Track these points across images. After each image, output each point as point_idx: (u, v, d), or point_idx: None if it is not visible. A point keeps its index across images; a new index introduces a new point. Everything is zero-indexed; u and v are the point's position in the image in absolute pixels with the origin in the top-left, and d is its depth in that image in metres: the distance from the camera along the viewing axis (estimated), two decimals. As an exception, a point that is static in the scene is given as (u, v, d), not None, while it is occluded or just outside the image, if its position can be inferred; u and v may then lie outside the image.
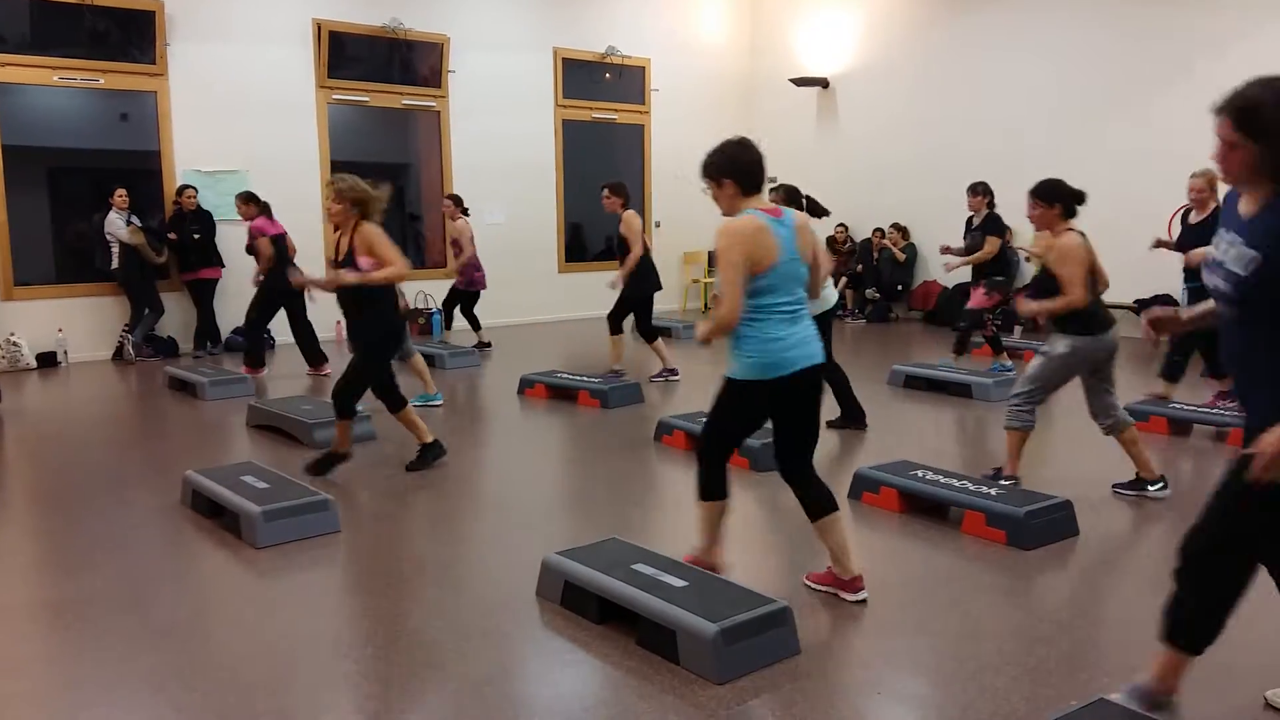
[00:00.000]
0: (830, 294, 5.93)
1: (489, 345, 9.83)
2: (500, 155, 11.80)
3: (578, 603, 3.40)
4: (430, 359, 8.95)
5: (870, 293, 12.36)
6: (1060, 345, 4.53)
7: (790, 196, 5.83)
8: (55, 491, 5.10)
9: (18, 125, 9.11)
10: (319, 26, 10.41)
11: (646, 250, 7.81)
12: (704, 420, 3.57)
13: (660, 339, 8.01)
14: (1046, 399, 4.73)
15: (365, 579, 3.84)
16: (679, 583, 3.24)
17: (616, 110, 12.83)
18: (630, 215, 7.78)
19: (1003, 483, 4.63)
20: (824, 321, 5.74)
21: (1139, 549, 4.20)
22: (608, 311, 8.06)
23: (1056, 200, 4.52)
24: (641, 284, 7.81)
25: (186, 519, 4.57)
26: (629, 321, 8.00)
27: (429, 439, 5.39)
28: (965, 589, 3.68)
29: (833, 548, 3.51)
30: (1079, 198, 4.53)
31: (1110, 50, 10.33)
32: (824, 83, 13.09)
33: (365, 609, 3.53)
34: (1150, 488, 4.72)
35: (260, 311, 8.41)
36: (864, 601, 3.49)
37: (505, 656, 3.12)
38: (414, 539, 4.29)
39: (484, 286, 9.54)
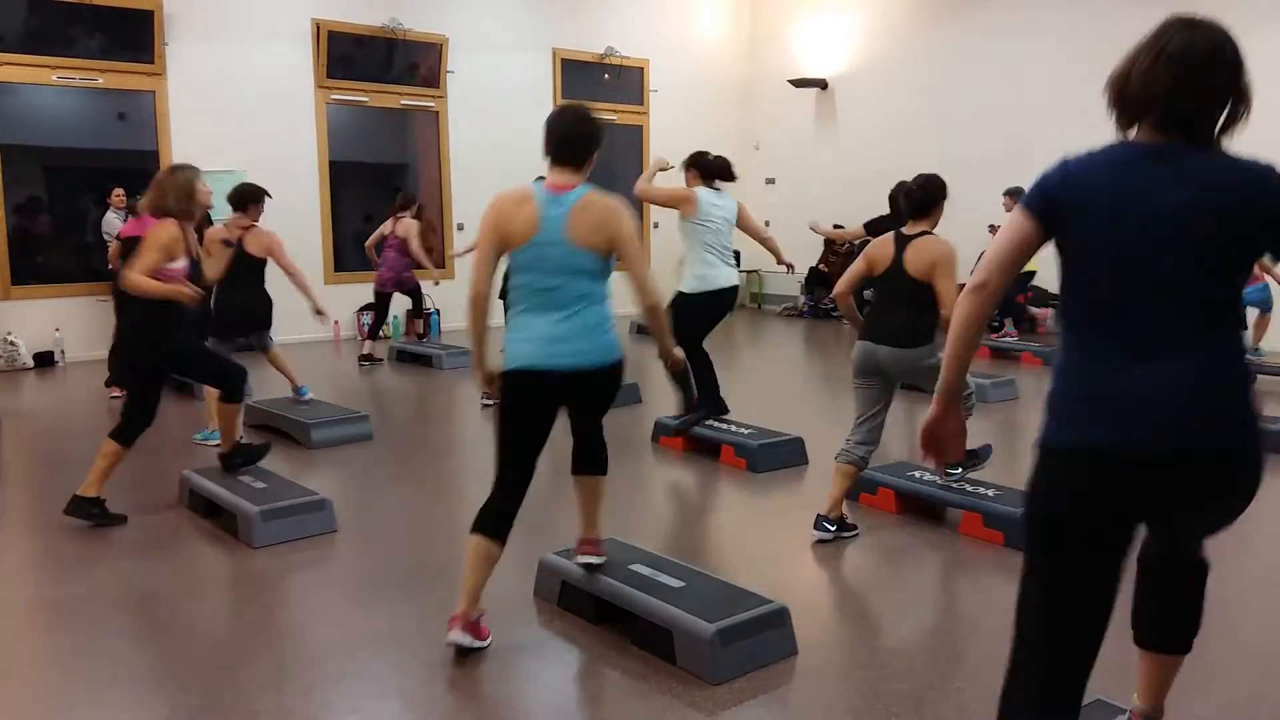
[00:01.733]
0: (720, 275, 5.40)
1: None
2: (499, 156, 11.77)
3: (575, 603, 3.40)
4: (426, 359, 8.97)
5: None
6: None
7: (691, 160, 5.52)
8: (52, 491, 5.09)
9: (16, 124, 9.11)
10: (318, 26, 10.41)
11: None
12: None
13: None
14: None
15: (362, 579, 3.84)
16: (676, 583, 3.24)
17: (615, 111, 12.83)
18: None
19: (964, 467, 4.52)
20: (713, 305, 5.36)
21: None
22: None
23: None
24: None
25: (184, 518, 4.56)
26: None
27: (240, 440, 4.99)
28: (962, 590, 3.68)
29: (595, 508, 3.43)
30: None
31: (1109, 50, 10.26)
32: (822, 84, 13.09)
33: (362, 609, 3.53)
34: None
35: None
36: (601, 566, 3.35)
37: (502, 657, 3.12)
38: (411, 539, 4.29)
39: (415, 284, 9.15)
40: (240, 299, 6.15)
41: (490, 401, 7.10)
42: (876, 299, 4.28)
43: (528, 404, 3.06)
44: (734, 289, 5.51)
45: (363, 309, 10.93)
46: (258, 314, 6.25)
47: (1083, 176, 1.82)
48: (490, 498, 3.10)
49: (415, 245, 8.77)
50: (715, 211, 5.45)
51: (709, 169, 5.55)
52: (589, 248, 2.99)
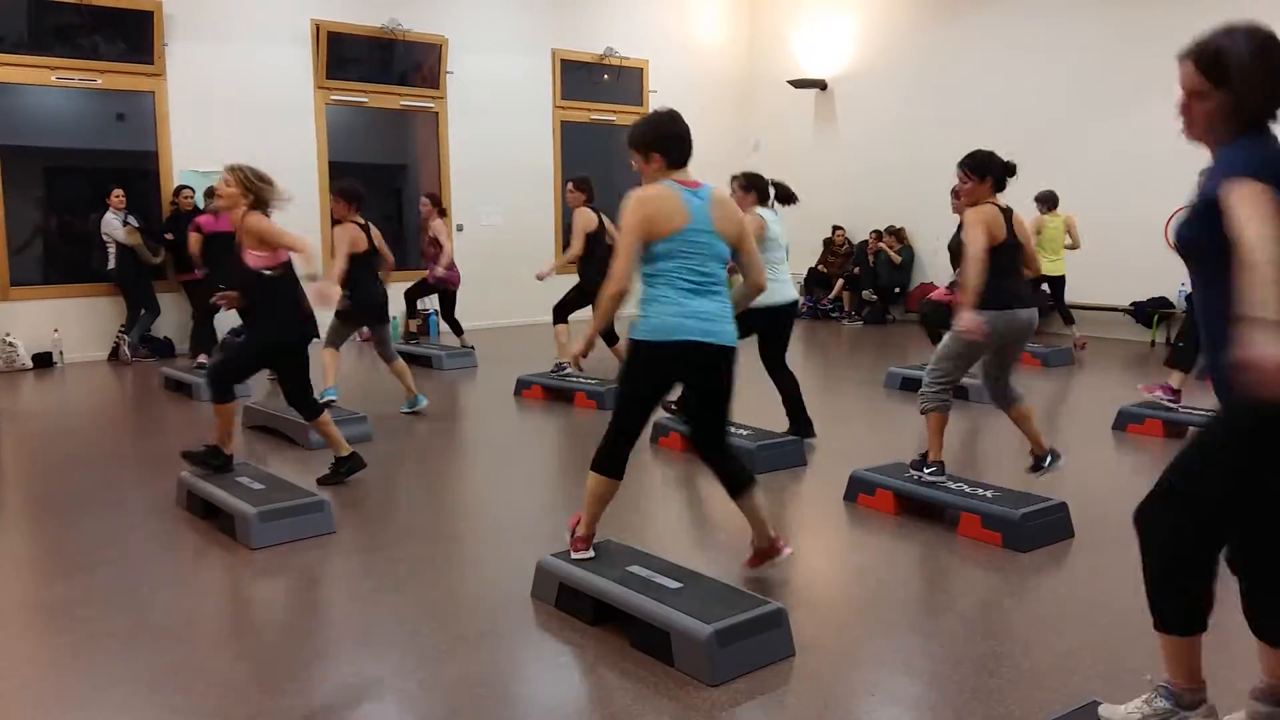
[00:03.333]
0: (783, 290, 5.57)
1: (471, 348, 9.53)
2: (498, 157, 11.80)
3: (572, 604, 3.40)
4: (426, 360, 8.97)
5: (867, 294, 12.37)
6: (962, 319, 4.25)
7: (751, 182, 5.72)
8: (50, 492, 5.10)
9: (15, 125, 9.11)
10: (317, 27, 10.41)
11: (608, 248, 7.45)
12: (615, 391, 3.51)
13: (564, 327, 7.75)
14: (961, 378, 4.55)
15: (360, 580, 3.84)
16: (673, 584, 3.24)
17: (615, 111, 12.83)
18: (580, 212, 7.56)
19: (926, 470, 4.52)
20: (777, 319, 5.64)
21: (1134, 551, 4.18)
22: (556, 305, 7.77)
23: (988, 173, 4.40)
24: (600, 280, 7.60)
25: (181, 520, 4.56)
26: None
27: (345, 452, 5.03)
28: (960, 591, 3.68)
29: (750, 520, 3.59)
30: (1010, 170, 4.42)
31: (1108, 51, 10.34)
32: (822, 84, 13.10)
33: (360, 610, 3.53)
34: (1044, 463, 4.68)
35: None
36: (789, 554, 3.67)
37: (500, 658, 3.12)
38: (409, 540, 4.29)
39: (457, 285, 9.27)
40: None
41: (568, 369, 7.25)
42: (1000, 269, 4.31)
43: (674, 372, 3.38)
44: (795, 303, 5.80)
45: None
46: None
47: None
48: (617, 445, 3.42)
49: (447, 243, 8.96)
50: (776, 228, 5.71)
51: (767, 193, 5.80)
52: (724, 236, 3.32)
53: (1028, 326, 4.40)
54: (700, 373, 3.37)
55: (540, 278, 7.89)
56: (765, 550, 3.66)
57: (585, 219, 7.56)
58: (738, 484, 3.52)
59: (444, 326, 11.18)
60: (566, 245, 7.77)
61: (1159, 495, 2.33)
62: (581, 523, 3.53)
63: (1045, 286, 9.23)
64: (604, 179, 8.13)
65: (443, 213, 9.38)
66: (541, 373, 7.80)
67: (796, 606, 3.43)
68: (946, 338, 4.51)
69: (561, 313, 7.76)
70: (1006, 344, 4.45)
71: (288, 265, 4.75)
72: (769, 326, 5.63)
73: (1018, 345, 4.50)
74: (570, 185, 7.71)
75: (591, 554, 3.50)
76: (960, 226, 7.70)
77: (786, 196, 5.91)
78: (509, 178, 11.88)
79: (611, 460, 3.43)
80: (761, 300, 5.35)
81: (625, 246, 3.23)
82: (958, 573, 3.86)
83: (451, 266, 9.15)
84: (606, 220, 7.73)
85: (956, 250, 7.37)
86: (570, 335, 7.71)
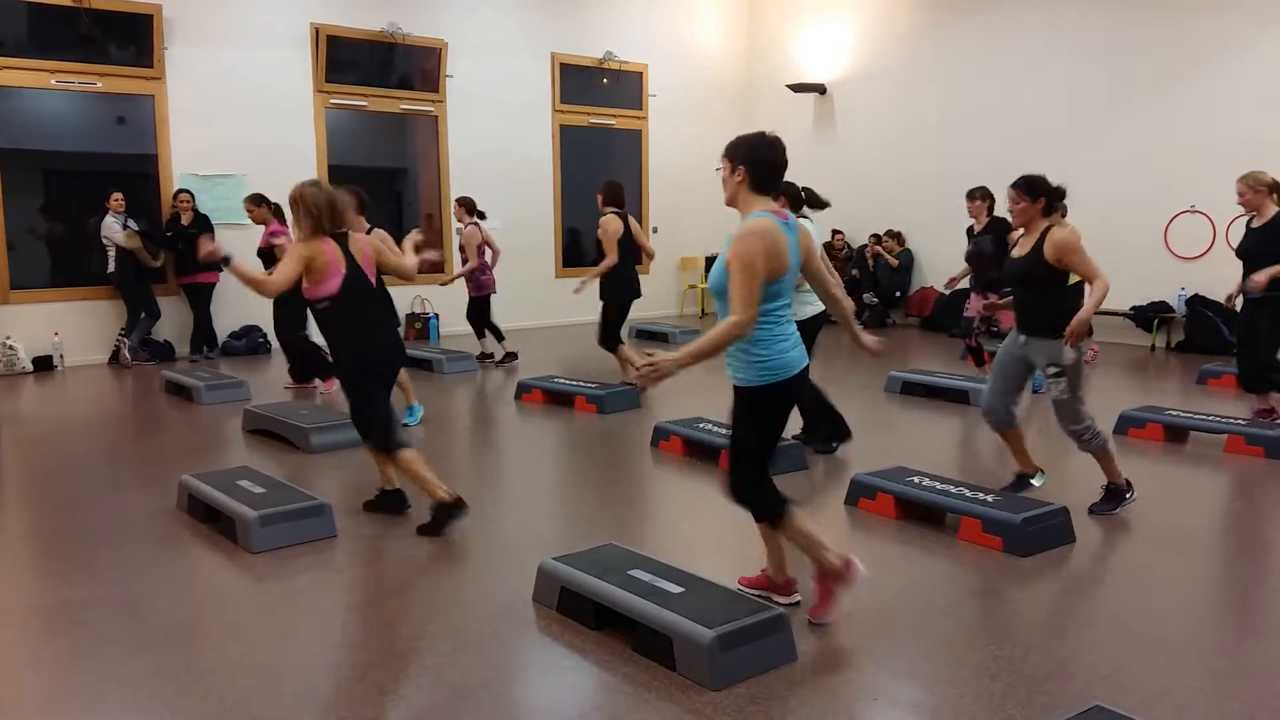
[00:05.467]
0: (814, 304, 5.44)
1: (514, 356, 9.35)
2: (498, 160, 11.81)
3: (574, 608, 3.40)
4: (427, 364, 8.96)
5: (868, 298, 12.38)
6: (1069, 353, 4.39)
7: (792, 195, 5.58)
8: (51, 495, 5.09)
9: (15, 128, 9.11)
10: (317, 31, 10.42)
11: (624, 257, 7.50)
12: (733, 442, 3.34)
13: (624, 346, 7.75)
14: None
15: (361, 584, 3.84)
16: (675, 589, 3.24)
17: (614, 115, 12.85)
18: (607, 220, 7.47)
19: (1128, 496, 4.60)
20: (805, 332, 5.59)
21: (1135, 556, 4.20)
22: (599, 334, 7.71)
23: (1040, 195, 4.47)
24: (621, 292, 7.57)
25: (182, 523, 4.56)
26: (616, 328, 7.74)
27: (444, 496, 4.41)
28: (962, 595, 3.68)
29: (772, 549, 3.53)
30: (1061, 194, 4.49)
31: (1107, 56, 10.35)
32: (821, 89, 13.11)
33: (361, 614, 3.53)
34: (1034, 481, 4.76)
35: (296, 322, 7.77)
36: (797, 604, 3.50)
37: (501, 662, 3.12)
38: (410, 544, 4.29)
39: (493, 290, 9.15)
40: None
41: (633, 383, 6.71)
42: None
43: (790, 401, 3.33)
44: (822, 314, 5.44)
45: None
46: None
47: None
48: (768, 481, 3.34)
49: (473, 255, 8.86)
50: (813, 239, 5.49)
51: (800, 200, 5.56)
52: (804, 263, 3.35)
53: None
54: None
55: (577, 292, 7.82)
56: (775, 583, 3.57)
57: (615, 226, 7.48)
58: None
59: (444, 329, 11.21)
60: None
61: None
62: (819, 566, 3.41)
63: None
64: (603, 181, 8.13)
65: (481, 216, 9.06)
66: (543, 375, 7.80)
67: (798, 611, 3.43)
68: (1066, 373, 4.42)
69: (611, 339, 7.65)
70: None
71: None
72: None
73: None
74: (599, 193, 7.66)
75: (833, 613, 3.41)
76: (976, 234, 7.50)
77: (815, 202, 5.67)
78: (508, 181, 11.88)
79: (774, 497, 3.34)
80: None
81: (752, 286, 3.06)
82: (959, 577, 3.86)
83: (474, 275, 8.98)
84: (633, 222, 7.72)
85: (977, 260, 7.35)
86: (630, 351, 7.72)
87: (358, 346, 4.40)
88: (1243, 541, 4.33)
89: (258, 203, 8.08)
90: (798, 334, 3.31)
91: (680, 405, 7.19)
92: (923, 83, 12.05)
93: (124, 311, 9.44)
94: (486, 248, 9.00)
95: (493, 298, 9.19)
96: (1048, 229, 4.43)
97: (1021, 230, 4.64)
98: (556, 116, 12.34)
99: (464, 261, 9.00)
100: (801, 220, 5.56)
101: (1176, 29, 9.78)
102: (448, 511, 4.37)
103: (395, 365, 4.60)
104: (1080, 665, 3.06)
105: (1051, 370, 4.45)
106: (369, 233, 6.34)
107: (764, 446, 3.31)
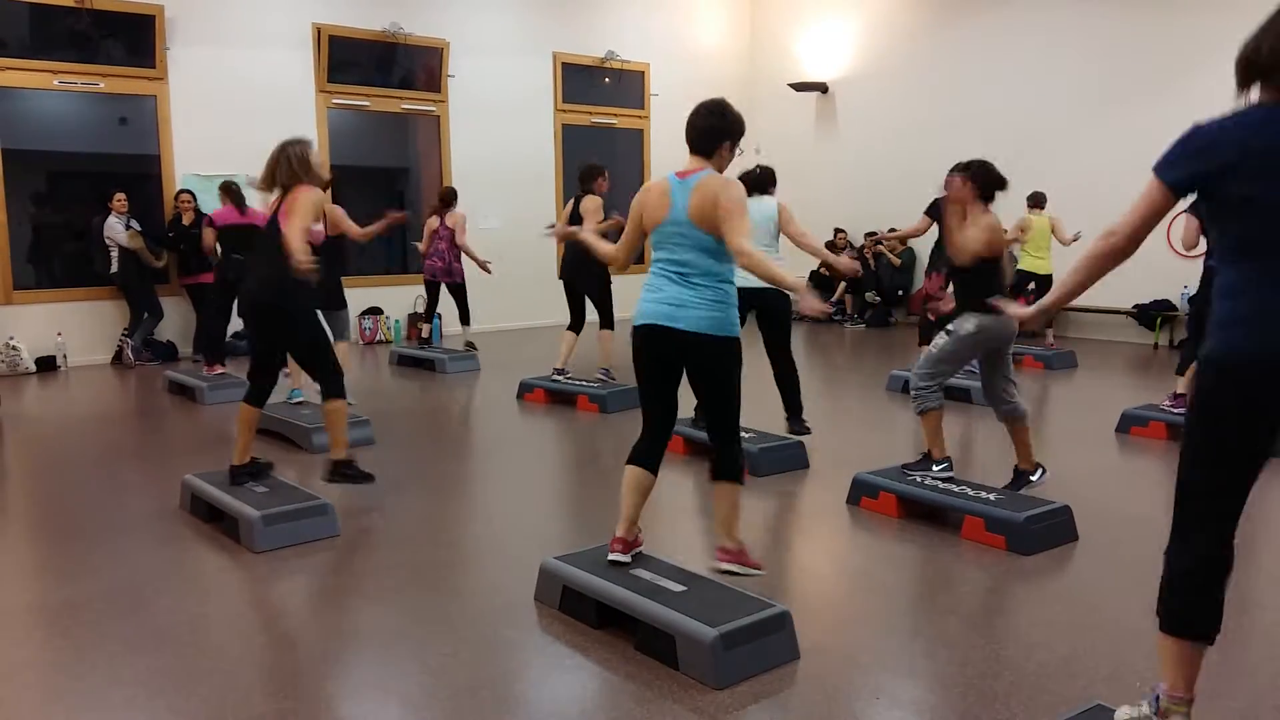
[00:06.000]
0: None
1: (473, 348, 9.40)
2: (499, 160, 11.81)
3: (576, 607, 3.40)
4: (429, 363, 8.97)
5: (870, 297, 12.37)
6: (968, 324, 4.47)
7: (751, 180, 5.71)
8: (54, 495, 5.10)
9: (17, 129, 9.12)
10: (319, 31, 10.42)
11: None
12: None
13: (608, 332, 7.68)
14: (949, 378, 4.68)
15: (363, 583, 3.84)
16: (678, 587, 3.24)
17: (616, 115, 12.85)
18: (589, 199, 7.58)
19: (935, 469, 4.61)
20: (763, 301, 5.53)
21: (1138, 555, 4.19)
22: (600, 319, 7.68)
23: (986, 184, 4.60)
24: (604, 269, 7.42)
25: (185, 523, 4.56)
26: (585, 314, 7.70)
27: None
28: (964, 594, 3.68)
29: (720, 516, 3.47)
30: (1001, 184, 4.64)
31: (1107, 54, 10.34)
32: (823, 88, 13.11)
33: (363, 613, 3.53)
34: (1032, 478, 4.71)
35: (218, 308, 8.11)
36: (763, 572, 3.56)
37: (503, 661, 3.12)
38: (412, 543, 4.29)
39: (462, 280, 9.13)
40: None
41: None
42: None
43: (659, 354, 3.52)
44: (762, 289, 5.38)
45: (364, 313, 10.95)
46: None
47: (1231, 134, 2.14)
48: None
49: (461, 237, 8.87)
50: (755, 216, 5.44)
51: (748, 183, 5.66)
52: (697, 224, 3.40)
53: (1015, 330, 4.44)
54: (683, 358, 3.43)
55: (546, 234, 7.46)
56: (730, 550, 3.48)
57: (591, 204, 7.55)
58: (718, 471, 3.45)
59: (447, 330, 11.21)
60: (567, 247, 7.77)
61: None
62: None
63: (1032, 286, 9.23)
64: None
65: (446, 206, 9.02)
66: (544, 375, 7.79)
67: (801, 610, 3.42)
68: (946, 338, 4.56)
69: (609, 319, 7.66)
70: (1000, 347, 4.53)
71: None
72: (758, 308, 5.56)
73: (1007, 348, 4.57)
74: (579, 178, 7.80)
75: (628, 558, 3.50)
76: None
77: (759, 185, 5.77)
78: (510, 181, 11.88)
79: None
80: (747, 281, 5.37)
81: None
82: (961, 576, 3.85)
83: (444, 257, 8.98)
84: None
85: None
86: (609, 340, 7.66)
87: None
88: (1243, 541, 4.31)
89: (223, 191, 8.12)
90: (669, 295, 3.37)
91: (679, 405, 7.19)
92: (925, 81, 12.04)
93: (127, 312, 9.45)
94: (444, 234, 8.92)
95: (492, 296, 9.18)
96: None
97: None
98: (558, 116, 12.34)
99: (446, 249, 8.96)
100: (764, 199, 5.67)
101: (1176, 29, 9.76)
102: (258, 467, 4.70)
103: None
104: (1083, 664, 3.06)
105: (949, 328, 4.55)
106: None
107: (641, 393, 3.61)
